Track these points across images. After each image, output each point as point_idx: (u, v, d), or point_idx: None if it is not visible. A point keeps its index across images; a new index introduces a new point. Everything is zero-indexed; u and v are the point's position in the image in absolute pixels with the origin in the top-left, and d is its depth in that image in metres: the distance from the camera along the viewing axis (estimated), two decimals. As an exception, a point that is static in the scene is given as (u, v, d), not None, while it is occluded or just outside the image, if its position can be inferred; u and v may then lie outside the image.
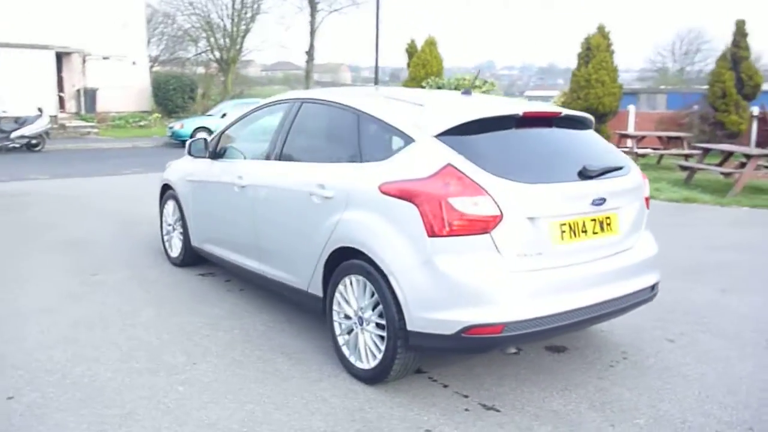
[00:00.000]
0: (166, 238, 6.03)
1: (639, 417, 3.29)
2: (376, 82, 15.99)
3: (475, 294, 3.14)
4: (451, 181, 3.20)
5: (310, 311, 4.33)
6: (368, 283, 3.49)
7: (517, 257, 3.20)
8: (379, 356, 3.46)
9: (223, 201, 4.91)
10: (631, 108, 17.61)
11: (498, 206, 3.14)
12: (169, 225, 5.93)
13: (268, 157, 4.50)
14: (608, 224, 3.55)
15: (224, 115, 20.00)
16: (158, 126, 23.88)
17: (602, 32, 16.29)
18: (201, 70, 34.40)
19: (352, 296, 3.63)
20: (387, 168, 3.49)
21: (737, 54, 17.33)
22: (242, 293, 5.13)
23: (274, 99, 4.91)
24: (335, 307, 3.77)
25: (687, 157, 14.04)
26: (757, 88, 17.45)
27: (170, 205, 5.87)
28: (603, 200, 3.45)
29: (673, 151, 14.57)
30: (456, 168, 3.24)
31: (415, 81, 14.89)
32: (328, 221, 3.75)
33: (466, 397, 3.47)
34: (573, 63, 16.93)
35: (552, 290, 3.26)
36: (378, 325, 3.48)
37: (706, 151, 12.36)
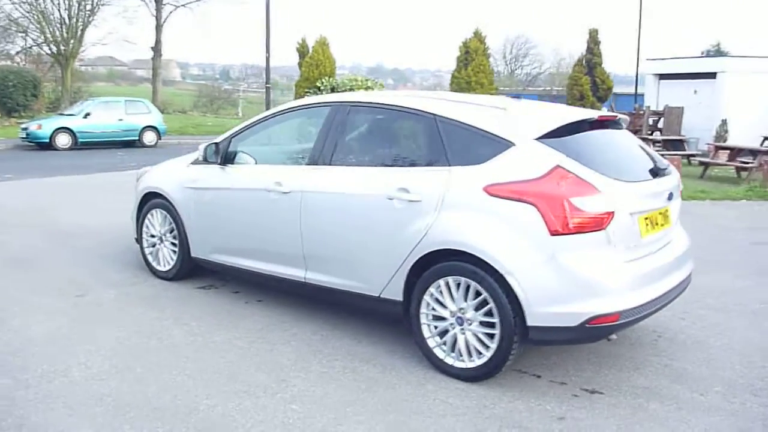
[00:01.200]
0: (149, 251, 5.56)
1: (715, 385, 3.72)
2: (268, 81, 15.63)
3: (597, 286, 3.37)
4: (564, 182, 3.40)
5: (370, 315, 4.30)
6: (472, 284, 3.58)
7: (625, 250, 3.48)
8: (489, 354, 3.57)
9: (249, 209, 4.68)
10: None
11: (611, 204, 3.39)
12: (155, 236, 5.49)
13: (314, 162, 4.37)
14: (667, 217, 3.96)
15: (87, 115, 18.47)
16: (-3, 127, 21.33)
17: (479, 37, 17.36)
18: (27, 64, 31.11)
19: (448, 298, 3.70)
20: (488, 171, 3.60)
21: (591, 60, 19.34)
22: (263, 305, 4.92)
23: (306, 102, 4.77)
24: (423, 310, 3.81)
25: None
26: (609, 91, 19.61)
27: (157, 215, 5.43)
28: (672, 195, 3.84)
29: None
30: (565, 169, 3.44)
31: (308, 81, 14.83)
32: (415, 225, 3.77)
33: (563, 384, 3.70)
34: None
35: (647, 279, 3.59)
36: (483, 323, 3.58)
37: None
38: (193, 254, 5.20)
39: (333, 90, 14.84)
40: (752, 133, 20.41)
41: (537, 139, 3.58)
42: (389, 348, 4.12)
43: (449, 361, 3.74)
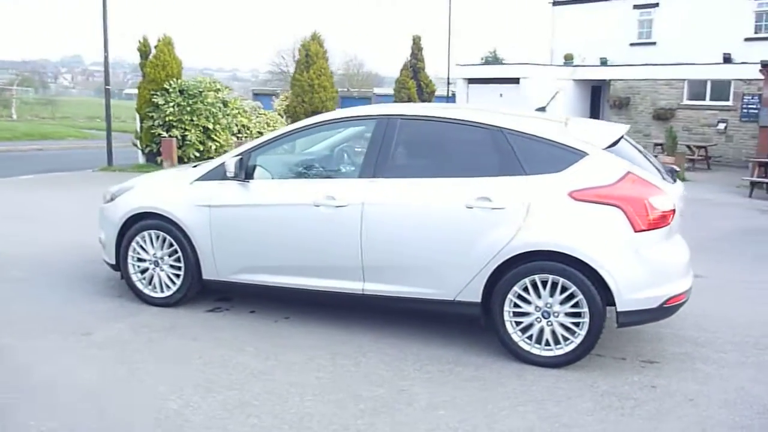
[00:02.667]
0: (137, 277, 5.06)
1: (727, 346, 4.59)
2: (107, 83, 14.17)
3: (670, 273, 4.02)
4: (637, 186, 3.98)
5: (412, 319, 4.49)
6: (561, 280, 4.00)
7: (674, 242, 4.17)
8: (577, 341, 4.03)
9: (290, 224, 4.56)
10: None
11: (672, 202, 4.05)
12: (146, 261, 5.02)
13: (370, 175, 4.42)
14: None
15: None
16: None
17: (318, 41, 17.62)
18: None
19: (534, 294, 4.08)
20: (568, 178, 4.04)
21: (416, 65, 20.67)
22: (294, 322, 4.81)
23: (343, 115, 4.76)
24: (507, 308, 4.14)
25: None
26: (432, 95, 21.13)
27: (150, 238, 4.97)
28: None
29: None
30: (635, 174, 4.03)
31: (155, 83, 13.92)
32: (499, 231, 4.08)
33: (624, 359, 4.30)
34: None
35: (689, 265, 4.32)
36: (569, 314, 4.03)
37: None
38: (205, 276, 4.88)
39: (182, 92, 14.09)
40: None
41: (605, 149, 4.12)
42: (463, 348, 4.37)
43: (535, 351, 4.12)
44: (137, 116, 14.86)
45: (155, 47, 14.32)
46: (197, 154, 13.83)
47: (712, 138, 20.84)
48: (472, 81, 24.76)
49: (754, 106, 20.03)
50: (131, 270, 5.10)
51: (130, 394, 3.64)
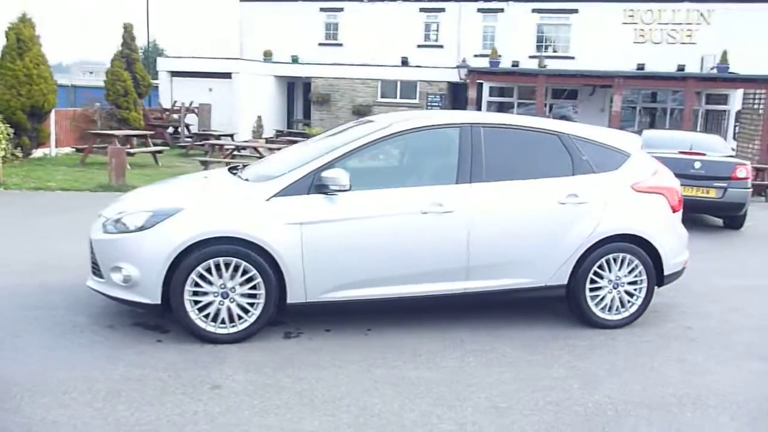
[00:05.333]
0: (196, 315, 4.32)
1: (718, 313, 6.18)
2: None
3: (686, 242, 5.33)
4: (669, 177, 5.21)
5: (479, 310, 5.01)
6: (628, 256, 4.98)
7: None
8: (637, 303, 5.06)
9: (395, 233, 4.54)
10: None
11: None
12: (210, 293, 4.32)
13: (462, 180, 4.69)
14: None
15: None
16: None
17: (30, 23, 14.81)
18: None
19: (614, 270, 4.96)
20: (625, 174, 5.04)
21: (130, 56, 18.88)
22: (376, 335, 4.73)
23: (430, 123, 4.88)
24: (588, 285, 4.95)
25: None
26: (149, 87, 19.58)
27: (218, 266, 4.29)
28: None
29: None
30: (661, 169, 5.24)
31: None
32: (586, 221, 4.85)
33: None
34: None
35: None
36: (630, 283, 5.04)
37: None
38: (290, 300, 4.47)
39: None
40: (268, 127, 24.04)
41: (641, 149, 5.24)
42: (545, 329, 4.98)
43: (608, 317, 5.03)
44: None
45: None
46: None
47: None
48: (176, 74, 23.67)
49: (437, 104, 23.90)
50: (188, 307, 4.32)
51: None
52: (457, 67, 23.34)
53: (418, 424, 3.44)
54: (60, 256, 6.41)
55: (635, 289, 5.05)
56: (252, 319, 4.42)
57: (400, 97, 24.53)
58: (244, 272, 4.35)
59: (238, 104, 22.35)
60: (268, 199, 4.42)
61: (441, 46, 25.78)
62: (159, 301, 4.31)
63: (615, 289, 5.02)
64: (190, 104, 21.33)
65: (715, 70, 20.39)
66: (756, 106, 19.02)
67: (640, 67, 23.46)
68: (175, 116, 21.29)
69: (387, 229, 4.56)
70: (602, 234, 4.91)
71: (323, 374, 4.01)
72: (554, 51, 24.97)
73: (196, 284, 4.30)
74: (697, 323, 5.26)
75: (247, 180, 4.82)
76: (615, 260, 4.98)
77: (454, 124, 4.95)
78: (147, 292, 4.31)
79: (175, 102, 21.30)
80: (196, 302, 4.33)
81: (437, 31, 25.98)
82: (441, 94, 24.04)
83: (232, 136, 19.50)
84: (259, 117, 21.84)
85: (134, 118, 18.35)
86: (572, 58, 24.47)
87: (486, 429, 3.42)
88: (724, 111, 23.01)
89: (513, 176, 4.90)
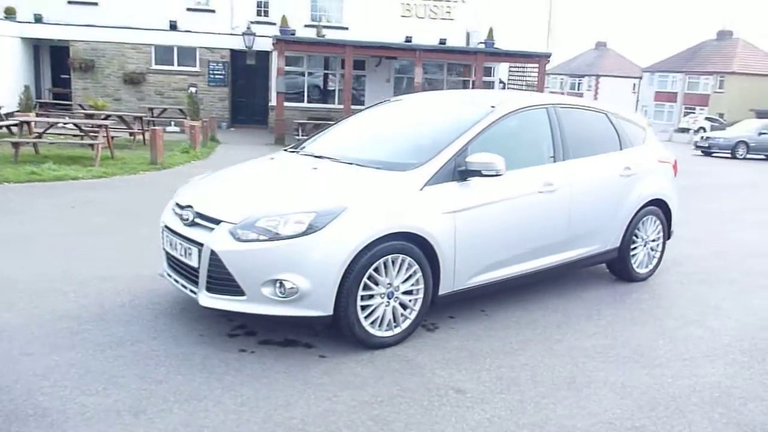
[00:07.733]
0: (370, 317, 3.96)
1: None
2: None
3: (673, 201, 6.40)
4: (667, 151, 6.15)
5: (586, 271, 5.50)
6: (654, 218, 5.83)
7: None
8: (658, 255, 5.97)
9: (522, 215, 4.68)
10: None
11: None
12: (379, 294, 3.98)
13: (558, 159, 5.00)
14: None
15: None
16: None
17: None
18: None
19: (651, 229, 5.78)
20: (647, 148, 5.84)
21: None
22: (502, 316, 4.81)
23: (521, 105, 4.92)
24: (631, 246, 5.68)
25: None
26: None
27: (386, 264, 3.97)
28: None
29: None
30: (660, 144, 6.17)
31: None
32: (635, 189, 5.54)
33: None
34: None
35: None
36: (654, 240, 5.91)
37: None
38: (441, 292, 4.33)
39: None
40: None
41: (649, 124, 6.06)
42: (609, 308, 5.57)
43: (642, 271, 5.84)
44: None
45: None
46: None
47: (185, 101, 22.48)
48: None
49: (219, 71, 22.70)
50: (360, 313, 3.92)
51: None
52: (243, 34, 22.39)
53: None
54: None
55: (656, 245, 5.93)
56: (412, 317, 4.19)
57: (178, 64, 22.71)
58: (408, 268, 4.10)
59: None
60: (421, 189, 4.19)
61: (213, 11, 24.28)
62: (332, 312, 3.83)
63: (645, 246, 5.83)
64: None
65: (482, 45, 22.91)
66: (522, 80, 22.08)
67: (408, 39, 25.15)
68: None
69: (516, 211, 4.67)
70: (644, 200, 5.65)
71: (526, 353, 4.06)
72: (328, 21, 25.41)
73: (365, 287, 3.93)
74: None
75: (342, 162, 4.64)
76: (646, 222, 5.78)
77: (541, 105, 5.16)
78: (318, 303, 3.79)
79: None
80: (364, 307, 3.96)
81: (206, -6, 24.43)
82: (224, 62, 22.88)
83: (-6, 109, 16.16)
84: (27, 87, 18.26)
85: None
86: (346, 28, 25.18)
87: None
88: (492, 82, 26.10)
89: (585, 153, 5.32)
